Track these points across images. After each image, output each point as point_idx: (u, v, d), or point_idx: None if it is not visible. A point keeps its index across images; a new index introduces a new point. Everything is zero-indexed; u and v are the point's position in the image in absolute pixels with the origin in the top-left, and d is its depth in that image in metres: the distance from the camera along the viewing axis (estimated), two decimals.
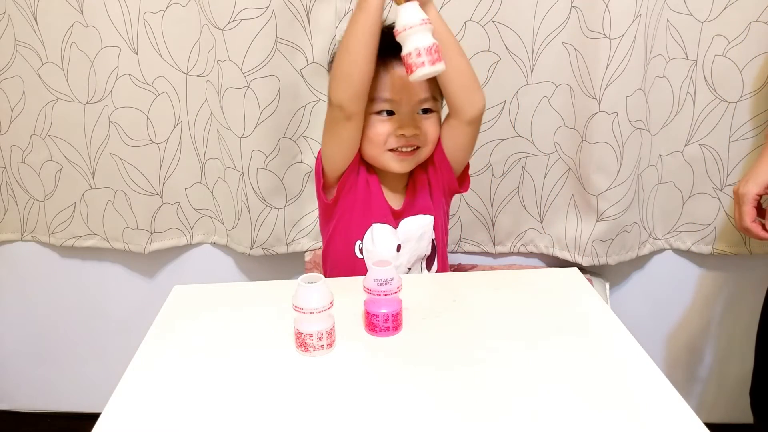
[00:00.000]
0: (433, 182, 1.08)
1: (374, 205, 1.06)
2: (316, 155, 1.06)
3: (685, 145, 1.38)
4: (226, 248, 1.55)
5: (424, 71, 0.87)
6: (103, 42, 1.35)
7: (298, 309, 0.78)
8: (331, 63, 1.00)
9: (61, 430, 1.70)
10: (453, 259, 1.50)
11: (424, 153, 1.05)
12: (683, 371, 1.59)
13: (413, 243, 1.08)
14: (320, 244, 1.17)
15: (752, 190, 1.07)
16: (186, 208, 1.51)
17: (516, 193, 1.44)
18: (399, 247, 1.07)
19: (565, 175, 1.41)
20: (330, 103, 0.98)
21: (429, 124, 1.03)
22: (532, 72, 1.33)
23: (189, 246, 1.56)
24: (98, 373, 1.55)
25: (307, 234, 1.47)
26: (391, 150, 1.02)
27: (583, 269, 1.42)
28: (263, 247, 1.46)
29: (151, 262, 1.57)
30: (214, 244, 1.56)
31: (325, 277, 0.86)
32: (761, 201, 1.09)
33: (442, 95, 1.03)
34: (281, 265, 1.53)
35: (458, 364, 0.77)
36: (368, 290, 0.82)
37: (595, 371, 0.75)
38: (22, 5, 1.35)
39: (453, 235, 1.48)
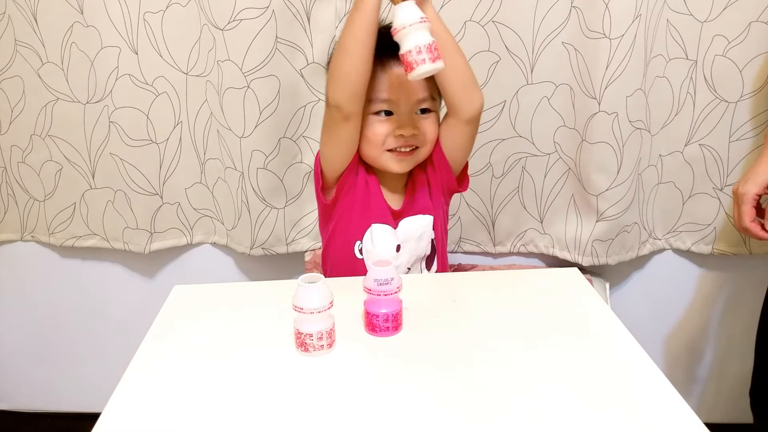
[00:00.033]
0: (432, 182, 1.08)
1: (373, 205, 1.06)
2: (315, 155, 1.06)
3: (685, 145, 1.38)
4: (226, 248, 1.55)
5: (425, 68, 0.87)
6: (103, 42, 1.35)
7: (298, 309, 0.77)
8: (329, 63, 1.00)
9: (61, 430, 1.70)
10: (453, 259, 1.50)
11: (423, 153, 1.05)
12: (683, 371, 1.59)
13: (413, 243, 1.08)
14: (320, 244, 1.17)
15: (751, 190, 1.07)
16: (186, 208, 1.51)
17: (516, 193, 1.44)
18: (398, 248, 1.07)
19: (565, 175, 1.41)
20: (328, 103, 0.98)
21: (427, 124, 1.03)
22: (532, 72, 1.33)
23: (189, 246, 1.56)
24: (98, 373, 1.55)
25: (307, 234, 1.47)
26: (389, 150, 1.02)
27: (583, 269, 1.42)
28: (263, 247, 1.46)
29: (151, 262, 1.57)
30: (214, 244, 1.56)
31: (325, 277, 0.86)
32: (760, 201, 1.09)
33: (440, 95, 1.03)
34: (281, 265, 1.53)
35: (458, 364, 0.77)
36: (368, 290, 0.82)
37: (595, 371, 0.75)
38: (22, 5, 1.35)
39: (453, 235, 1.49)
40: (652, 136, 1.37)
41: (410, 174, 1.08)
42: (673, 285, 1.52)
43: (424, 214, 1.08)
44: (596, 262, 1.42)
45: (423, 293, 0.97)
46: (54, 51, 1.38)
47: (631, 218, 1.39)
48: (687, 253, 1.49)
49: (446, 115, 1.04)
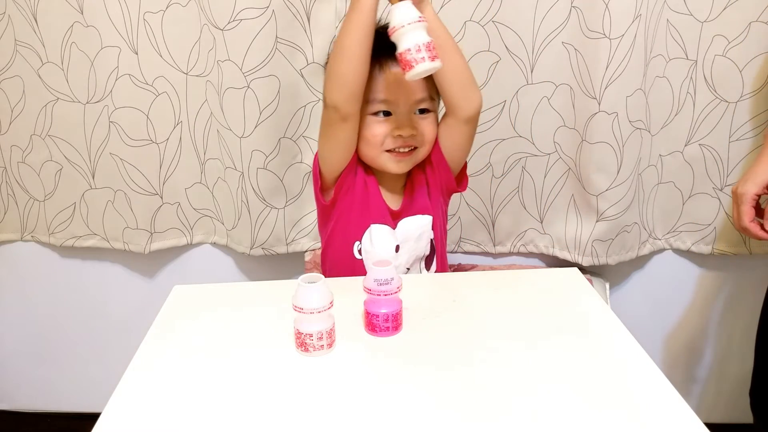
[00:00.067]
0: (431, 182, 1.08)
1: (372, 205, 1.06)
2: (314, 156, 1.06)
3: (685, 145, 1.38)
4: (226, 248, 1.55)
5: (424, 66, 0.87)
6: (103, 42, 1.35)
7: (298, 309, 0.77)
8: (326, 64, 1.00)
9: (61, 430, 1.70)
10: (453, 259, 1.50)
11: (422, 153, 1.05)
12: (683, 371, 1.59)
13: (412, 243, 1.08)
14: (320, 244, 1.17)
15: (751, 189, 1.07)
16: (186, 208, 1.51)
17: (516, 193, 1.44)
18: (397, 248, 1.07)
19: (565, 175, 1.41)
20: (325, 104, 0.98)
21: (426, 124, 1.03)
22: (532, 72, 1.33)
23: (189, 246, 1.56)
24: (98, 373, 1.55)
25: (307, 234, 1.47)
26: (388, 151, 1.02)
27: (583, 269, 1.42)
28: (263, 247, 1.46)
29: (151, 262, 1.57)
30: (214, 244, 1.56)
31: (325, 277, 0.86)
32: (760, 201, 1.09)
33: (438, 95, 1.03)
34: (281, 265, 1.53)
35: (458, 364, 0.77)
36: (368, 290, 0.82)
37: (595, 371, 0.75)
38: (22, 5, 1.35)
39: (453, 235, 1.49)
40: (652, 136, 1.37)
41: (409, 174, 1.08)
42: (673, 285, 1.52)
43: (423, 214, 1.08)
44: (596, 262, 1.42)
45: (423, 293, 0.97)
46: (54, 51, 1.38)
47: (631, 218, 1.39)
48: (687, 253, 1.49)
49: (445, 114, 1.04)
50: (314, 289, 0.77)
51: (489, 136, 1.38)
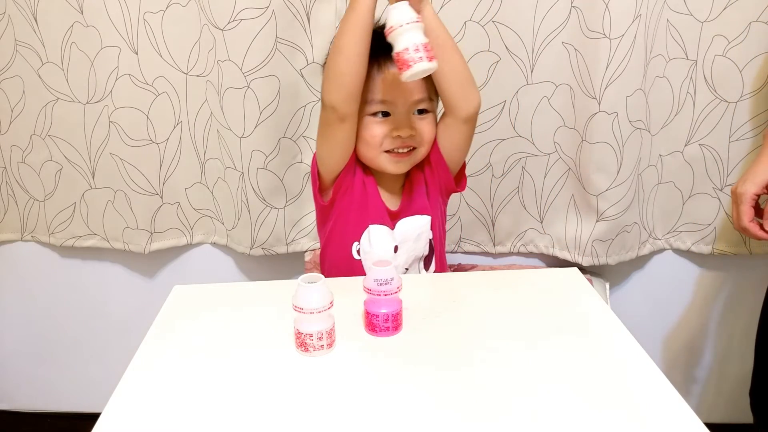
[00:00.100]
0: (430, 182, 1.08)
1: (371, 206, 1.06)
2: (312, 156, 1.06)
3: (685, 145, 1.38)
4: (226, 248, 1.55)
5: (421, 66, 0.87)
6: (103, 42, 1.35)
7: (298, 309, 0.77)
8: (324, 65, 1.00)
9: (61, 430, 1.70)
10: (453, 259, 1.50)
11: (421, 153, 1.04)
12: (683, 371, 1.59)
13: (410, 244, 1.08)
14: (320, 244, 1.17)
15: (750, 189, 1.07)
16: (186, 208, 1.51)
17: (516, 193, 1.44)
18: (396, 248, 1.07)
19: (565, 175, 1.41)
20: (323, 104, 0.98)
21: (425, 125, 1.03)
22: (532, 72, 1.33)
23: (189, 246, 1.56)
24: (98, 373, 1.55)
25: (307, 234, 1.47)
26: (387, 151, 1.02)
27: (583, 269, 1.42)
28: (263, 247, 1.46)
29: (151, 262, 1.57)
30: (214, 244, 1.56)
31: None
32: (759, 201, 1.09)
33: (437, 95, 1.03)
34: (281, 265, 1.53)
35: (458, 364, 0.77)
36: (368, 290, 0.82)
37: (595, 371, 0.75)
38: (22, 5, 1.35)
39: (453, 235, 1.49)
40: (652, 136, 1.37)
41: (408, 174, 1.08)
42: (673, 285, 1.52)
43: (421, 214, 1.08)
44: (596, 262, 1.42)
45: (423, 293, 0.97)
46: (54, 51, 1.38)
47: (631, 218, 1.39)
48: (687, 253, 1.49)
49: (443, 114, 1.04)
50: (314, 289, 0.77)
51: (489, 136, 1.38)
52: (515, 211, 1.46)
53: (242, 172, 1.39)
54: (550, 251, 1.48)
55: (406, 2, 0.89)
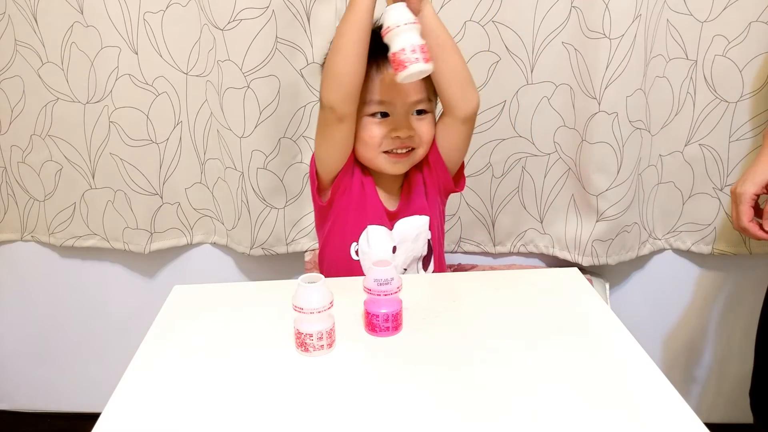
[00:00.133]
0: (429, 182, 1.08)
1: (369, 206, 1.06)
2: (311, 157, 1.06)
3: (685, 145, 1.38)
4: (226, 248, 1.55)
5: (417, 67, 0.87)
6: (103, 42, 1.35)
7: (298, 309, 0.77)
8: (323, 65, 1.00)
9: (61, 430, 1.70)
10: (453, 259, 1.50)
11: (419, 154, 1.04)
12: (683, 371, 1.59)
13: (409, 244, 1.08)
14: (318, 245, 1.17)
15: (749, 189, 1.07)
16: (186, 208, 1.51)
17: (516, 193, 1.44)
18: (394, 249, 1.07)
19: (565, 175, 1.41)
20: (322, 105, 0.98)
21: (423, 125, 1.03)
22: (532, 72, 1.33)
23: (189, 246, 1.56)
24: (98, 373, 1.55)
25: (307, 234, 1.47)
26: (385, 152, 1.02)
27: (583, 269, 1.42)
28: (263, 247, 1.46)
29: (151, 262, 1.57)
30: (214, 244, 1.56)
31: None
32: (759, 201, 1.09)
33: (436, 95, 1.03)
34: (281, 265, 1.53)
35: (458, 364, 0.77)
36: (368, 290, 0.82)
37: (595, 371, 0.75)
38: (22, 5, 1.35)
39: (453, 235, 1.49)
40: (652, 136, 1.37)
41: (406, 175, 1.08)
42: (673, 285, 1.52)
43: (420, 214, 1.08)
44: (596, 262, 1.42)
45: (423, 293, 0.97)
46: (54, 51, 1.38)
47: (631, 218, 1.39)
48: (687, 253, 1.49)
49: (442, 114, 1.04)
50: (314, 289, 0.77)
51: (489, 136, 1.38)
52: (515, 211, 1.46)
53: (242, 172, 1.39)
54: (550, 251, 1.48)
55: (404, 3, 0.89)
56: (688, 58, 1.31)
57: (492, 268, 1.46)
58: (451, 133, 1.04)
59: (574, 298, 0.95)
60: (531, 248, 1.49)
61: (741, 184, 1.08)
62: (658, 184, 1.43)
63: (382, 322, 0.83)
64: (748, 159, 1.36)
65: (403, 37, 0.87)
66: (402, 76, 0.88)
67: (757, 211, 1.09)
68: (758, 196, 1.08)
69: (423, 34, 0.92)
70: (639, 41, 1.24)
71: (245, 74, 1.30)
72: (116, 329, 1.62)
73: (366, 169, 1.06)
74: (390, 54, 0.89)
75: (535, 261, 1.53)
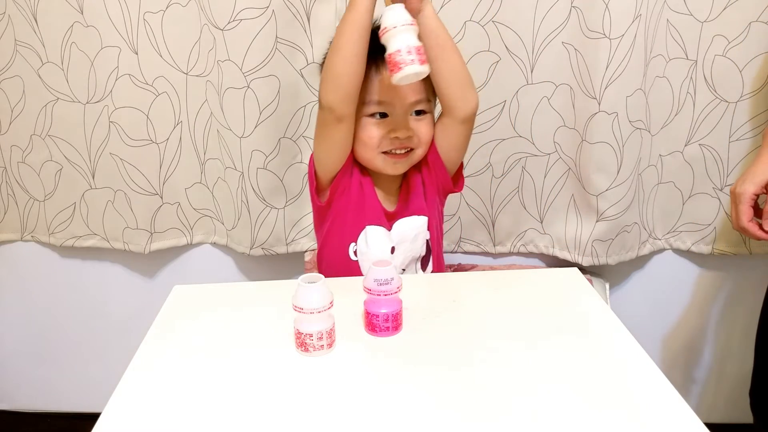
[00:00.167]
0: (427, 183, 1.08)
1: (367, 207, 1.05)
2: (309, 157, 1.06)
3: (685, 145, 1.38)
4: (226, 248, 1.55)
5: (413, 69, 0.86)
6: (103, 42, 1.35)
7: (298, 309, 0.78)
8: (322, 65, 1.00)
9: (61, 430, 1.70)
10: (453, 259, 1.50)
11: (418, 154, 1.04)
12: (683, 371, 1.59)
13: (407, 244, 1.08)
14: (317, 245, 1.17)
15: (749, 189, 1.07)
16: (186, 208, 1.51)
17: (516, 193, 1.44)
18: (393, 249, 1.07)
19: (565, 175, 1.41)
20: (320, 105, 0.98)
21: (422, 126, 1.02)
22: (532, 72, 1.33)
23: (189, 246, 1.56)
24: (98, 373, 1.55)
25: (307, 234, 1.47)
26: (384, 152, 1.02)
27: (583, 269, 1.42)
28: (263, 247, 1.46)
29: (151, 262, 1.57)
30: (214, 244, 1.56)
31: None
32: (758, 200, 1.09)
33: (435, 96, 1.03)
34: (281, 265, 1.53)
35: (458, 364, 0.77)
36: (368, 290, 0.82)
37: (595, 371, 0.75)
38: (22, 5, 1.35)
39: (453, 235, 1.49)
40: (652, 136, 1.37)
41: (405, 175, 1.08)
42: (673, 285, 1.52)
43: (418, 215, 1.08)
44: (596, 262, 1.42)
45: (423, 293, 0.97)
46: (54, 51, 1.38)
47: (631, 218, 1.39)
48: (687, 253, 1.49)
49: (441, 115, 1.04)
50: (314, 289, 0.77)
51: (489, 136, 1.38)
52: (515, 211, 1.46)
53: (242, 172, 1.39)
54: (550, 251, 1.48)
55: (402, 4, 0.89)
56: (688, 58, 1.31)
57: (492, 268, 1.46)
58: (450, 133, 1.04)
59: (574, 298, 0.95)
60: (531, 248, 1.49)
61: (740, 183, 1.08)
62: (658, 184, 1.43)
63: (382, 322, 0.83)
64: (748, 159, 1.36)
65: (400, 39, 0.87)
66: (397, 78, 0.88)
67: (757, 211, 1.09)
68: (758, 196, 1.08)
69: (423, 34, 0.92)
70: (639, 41, 1.24)
71: (245, 74, 1.30)
72: (116, 329, 1.62)
73: (365, 170, 1.06)
74: (386, 55, 0.89)
75: (535, 261, 1.53)
